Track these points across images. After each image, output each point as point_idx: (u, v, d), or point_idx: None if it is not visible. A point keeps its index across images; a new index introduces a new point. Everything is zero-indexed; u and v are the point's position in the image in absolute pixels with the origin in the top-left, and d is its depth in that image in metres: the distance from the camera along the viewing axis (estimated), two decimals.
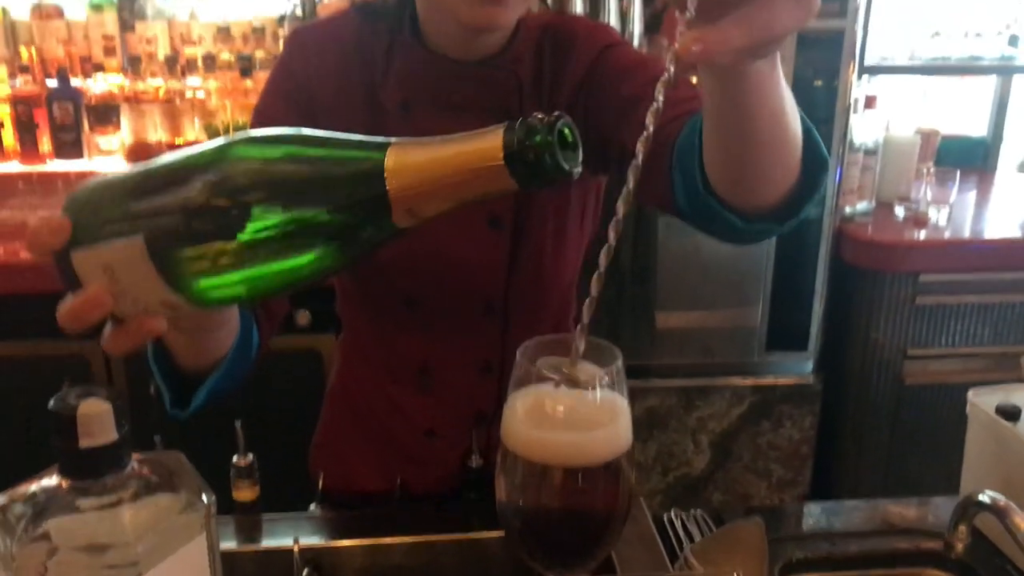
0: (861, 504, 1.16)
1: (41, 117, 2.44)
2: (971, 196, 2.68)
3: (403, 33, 1.02)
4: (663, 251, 2.45)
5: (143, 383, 0.86)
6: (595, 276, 0.59)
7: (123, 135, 2.47)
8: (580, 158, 0.54)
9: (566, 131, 0.53)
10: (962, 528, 0.96)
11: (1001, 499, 0.90)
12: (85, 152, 2.47)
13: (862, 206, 2.46)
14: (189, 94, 2.46)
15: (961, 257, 2.34)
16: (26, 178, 2.37)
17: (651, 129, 0.57)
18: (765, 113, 0.67)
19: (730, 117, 0.68)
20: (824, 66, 2.33)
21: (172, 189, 0.56)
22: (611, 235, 0.57)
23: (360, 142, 0.56)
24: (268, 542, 1.02)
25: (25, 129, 2.43)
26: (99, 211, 0.59)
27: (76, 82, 2.46)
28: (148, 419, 1.05)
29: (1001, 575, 1.03)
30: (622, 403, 0.65)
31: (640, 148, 0.57)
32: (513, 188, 0.53)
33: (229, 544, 1.01)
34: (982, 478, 1.08)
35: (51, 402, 0.57)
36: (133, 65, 2.47)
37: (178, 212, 0.56)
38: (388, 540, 1.03)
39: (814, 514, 1.15)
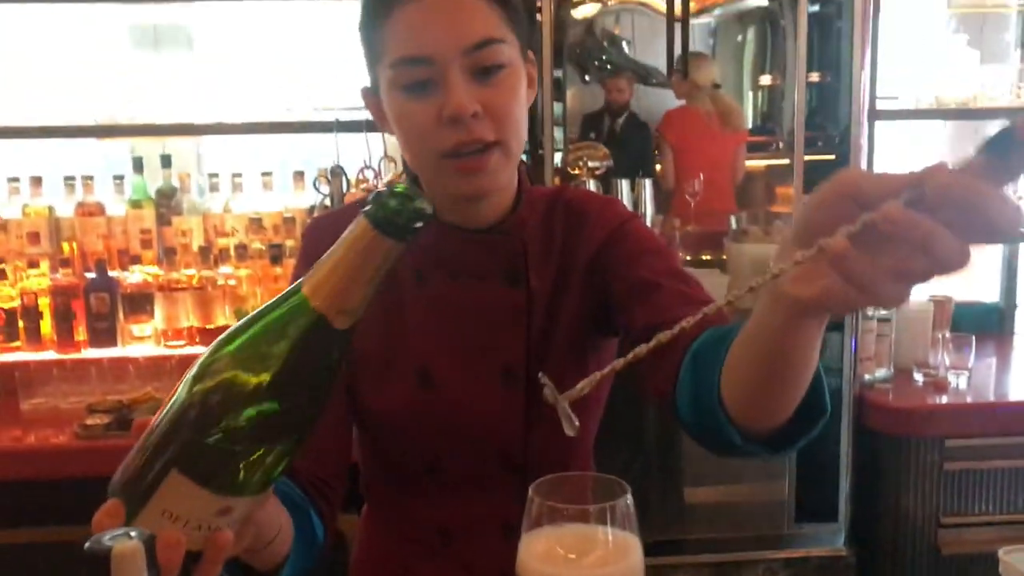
0: None
1: (78, 307, 2.54)
2: (990, 361, 2.69)
3: None
4: None
5: None
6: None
7: (156, 322, 2.56)
8: (428, 200, 0.69)
9: (400, 188, 0.69)
10: None
11: None
12: (119, 340, 2.55)
13: (881, 373, 2.47)
14: (221, 281, 2.56)
15: (986, 421, 2.33)
16: (60, 365, 2.44)
17: (685, 327, 0.64)
18: (803, 361, 0.73)
19: (775, 354, 0.73)
20: None
21: (176, 429, 0.69)
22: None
23: (277, 299, 0.71)
24: None
25: (63, 319, 2.53)
26: (135, 477, 0.70)
27: (113, 273, 2.58)
28: None
29: None
30: (633, 541, 0.66)
31: (662, 340, 0.63)
32: (399, 248, 0.68)
33: None
34: None
35: (86, 544, 0.59)
36: (168, 256, 2.59)
37: (190, 438, 0.68)
38: None
39: None
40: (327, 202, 2.60)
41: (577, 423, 0.66)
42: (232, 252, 2.58)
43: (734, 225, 2.76)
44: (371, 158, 2.56)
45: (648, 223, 2.65)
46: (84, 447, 2.14)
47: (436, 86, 0.98)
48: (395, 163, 2.54)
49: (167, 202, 2.68)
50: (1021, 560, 1.08)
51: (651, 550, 0.70)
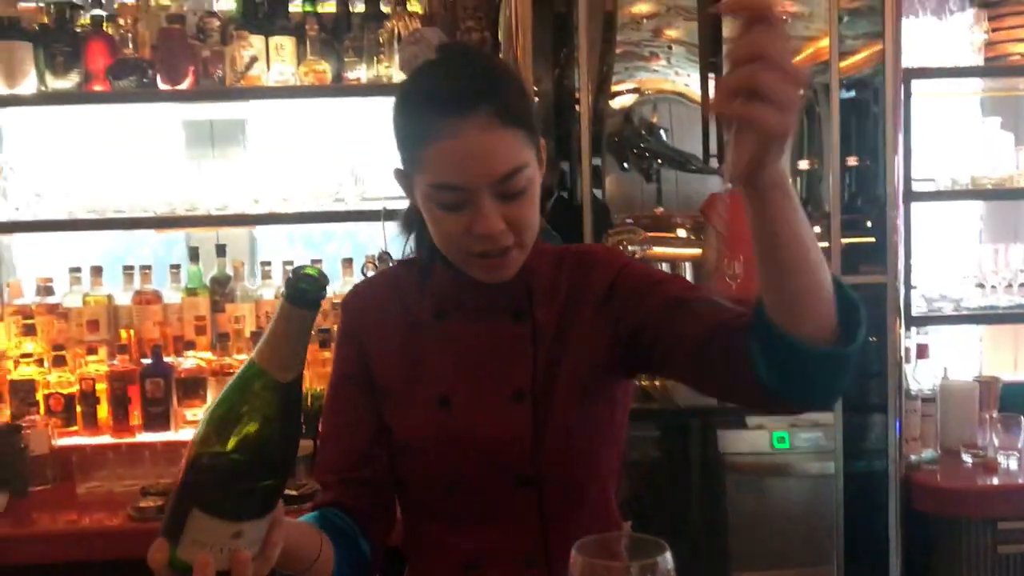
0: None
1: (134, 392, 2.61)
2: None
3: (436, 265, 1.29)
4: (733, 508, 2.44)
5: None
6: None
7: (208, 406, 2.62)
8: (325, 276, 0.94)
9: (308, 270, 0.94)
10: None
11: None
12: (172, 424, 2.62)
13: (927, 454, 2.45)
14: None
15: None
16: (116, 449, 2.50)
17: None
18: (787, 231, 0.92)
19: (762, 238, 0.93)
20: (871, 320, 2.41)
21: (189, 478, 0.92)
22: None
23: (240, 371, 0.95)
24: None
25: (119, 403, 2.60)
26: (170, 519, 0.92)
27: (168, 359, 2.66)
28: None
29: None
30: None
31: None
32: (312, 315, 0.93)
33: None
34: None
35: None
36: (221, 342, 2.67)
37: (199, 482, 0.91)
38: None
39: None
40: None
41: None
42: None
43: None
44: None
45: None
46: (137, 529, 2.19)
47: (468, 204, 1.14)
48: None
49: (221, 289, 2.77)
50: None
51: None
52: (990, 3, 2.75)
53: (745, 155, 0.84)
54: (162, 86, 2.54)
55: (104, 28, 2.60)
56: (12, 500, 2.34)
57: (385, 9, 2.68)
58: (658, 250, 2.72)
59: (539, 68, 2.43)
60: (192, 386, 2.61)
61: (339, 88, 2.61)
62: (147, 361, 2.65)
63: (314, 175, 2.66)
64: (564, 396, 1.23)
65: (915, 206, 2.56)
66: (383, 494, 1.30)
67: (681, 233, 2.77)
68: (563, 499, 1.24)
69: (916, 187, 2.58)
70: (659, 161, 2.69)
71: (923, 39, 2.69)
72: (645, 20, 2.57)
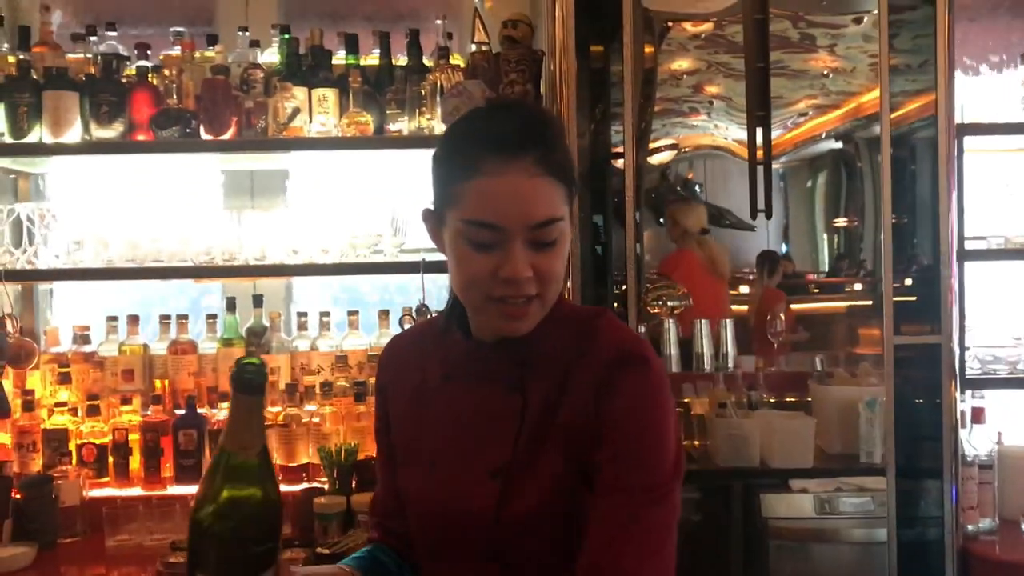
0: None
1: (167, 443, 2.58)
2: None
3: (451, 327, 1.31)
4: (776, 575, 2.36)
5: None
6: None
7: None
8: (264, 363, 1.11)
9: (249, 360, 1.09)
10: None
11: None
12: None
13: (985, 524, 2.35)
14: (305, 419, 2.58)
15: None
16: (146, 502, 2.46)
17: None
18: None
19: None
20: (924, 382, 2.34)
21: (190, 545, 1.11)
22: None
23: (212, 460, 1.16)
24: None
25: (151, 455, 2.57)
26: None
27: (202, 410, 2.63)
28: None
29: None
30: None
31: None
32: (258, 399, 1.09)
33: None
34: None
35: None
36: None
37: (198, 549, 1.09)
38: None
39: None
40: None
41: None
42: (318, 389, 2.62)
43: (818, 366, 2.70)
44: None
45: (730, 364, 2.62)
46: None
47: (498, 246, 1.15)
48: None
49: (257, 340, 2.75)
50: None
51: None
52: None
53: None
54: (205, 136, 2.55)
55: (149, 79, 2.62)
56: (40, 553, 2.29)
57: (428, 62, 2.69)
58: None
59: (578, 123, 2.42)
60: None
61: (381, 140, 2.60)
62: (181, 412, 2.62)
63: (353, 226, 2.65)
64: (540, 478, 1.19)
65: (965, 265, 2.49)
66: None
67: None
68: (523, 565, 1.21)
69: (968, 245, 2.51)
70: None
71: (970, 95, 2.64)
72: (685, 76, 2.57)
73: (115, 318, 2.77)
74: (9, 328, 2.61)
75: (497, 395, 1.24)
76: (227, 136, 2.55)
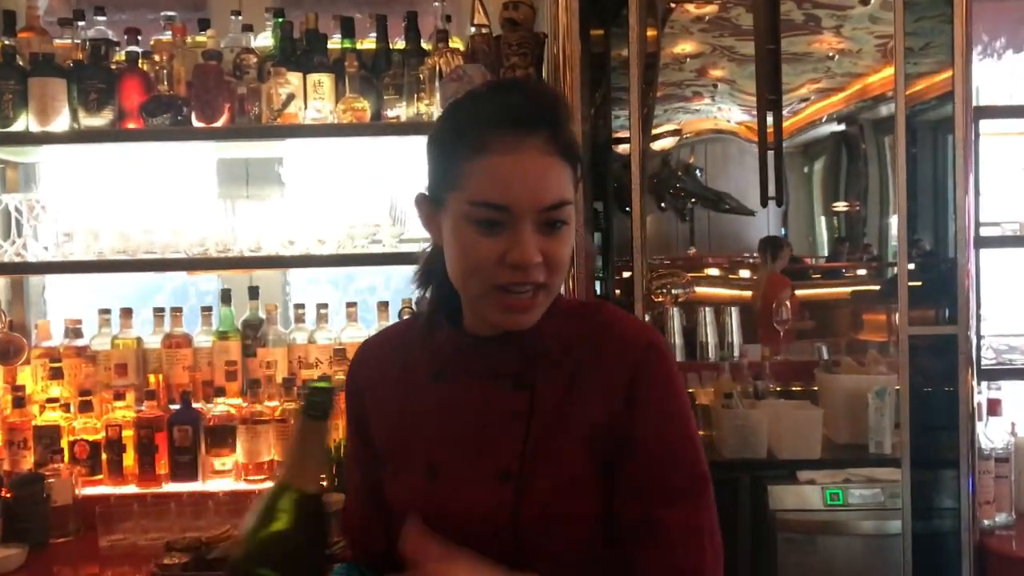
0: None
1: (161, 440, 2.52)
2: None
3: (440, 322, 1.23)
4: (784, 568, 2.34)
5: None
6: None
7: (237, 455, 2.52)
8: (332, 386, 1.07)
9: (319, 384, 1.05)
10: None
11: None
12: (200, 474, 2.52)
13: (1001, 518, 2.30)
14: None
15: None
16: (141, 500, 2.40)
17: None
18: None
19: None
20: (936, 371, 2.30)
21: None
22: None
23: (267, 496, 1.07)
24: None
25: (145, 452, 2.51)
26: None
27: (197, 405, 2.56)
28: None
29: None
30: None
31: None
32: (326, 425, 1.07)
33: None
34: None
35: None
36: (252, 388, 2.57)
37: None
38: None
39: None
40: None
41: None
42: None
43: (825, 355, 2.66)
44: None
45: (735, 353, 2.58)
46: None
47: (506, 229, 1.10)
48: None
49: (253, 333, 2.68)
50: None
51: None
52: None
53: None
54: (197, 124, 2.47)
55: (139, 65, 2.55)
56: (31, 554, 2.23)
57: (426, 46, 2.61)
58: (700, 291, 2.64)
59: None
60: (221, 434, 2.51)
61: (378, 126, 2.53)
62: (175, 407, 2.56)
63: (351, 216, 2.58)
64: (553, 477, 1.15)
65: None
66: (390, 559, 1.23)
67: (713, 272, 2.70)
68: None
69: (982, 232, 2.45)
70: (693, 200, 2.65)
71: (987, 78, 2.58)
72: (688, 60, 2.51)
73: (108, 311, 2.70)
74: None
75: (500, 392, 1.18)
76: (220, 123, 2.48)
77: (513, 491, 1.14)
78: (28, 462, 2.48)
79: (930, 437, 2.31)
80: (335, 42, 2.65)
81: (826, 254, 2.77)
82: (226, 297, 2.70)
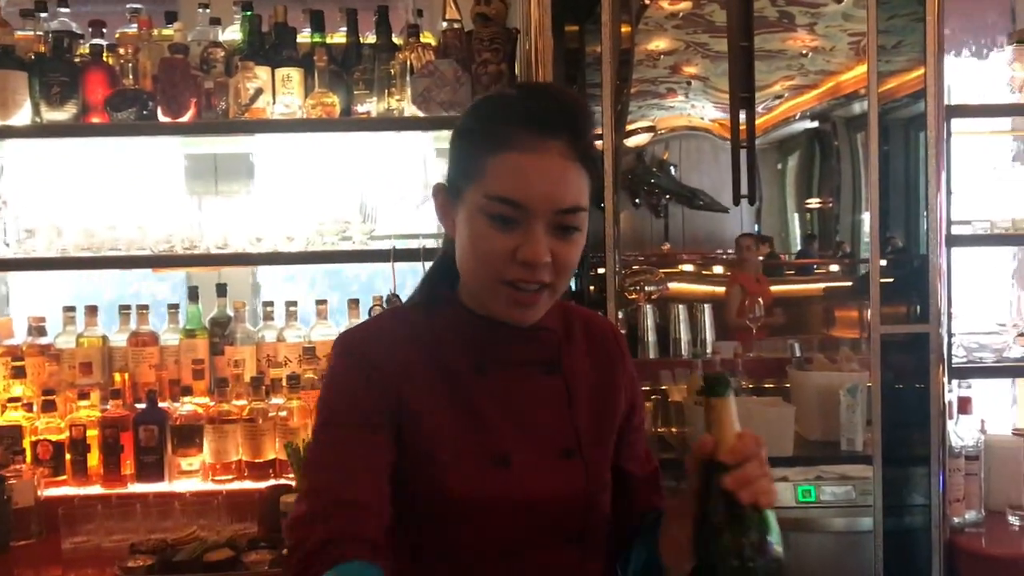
0: None
1: (127, 440, 2.47)
2: None
3: (457, 310, 1.24)
4: None
5: None
6: None
7: (204, 455, 2.48)
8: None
9: (713, 375, 1.05)
10: None
11: None
12: (166, 474, 2.47)
13: (971, 515, 2.30)
14: (272, 413, 2.49)
15: None
16: (105, 501, 2.35)
17: None
18: None
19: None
20: (907, 368, 2.30)
21: None
22: None
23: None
24: None
25: (110, 452, 2.46)
26: None
27: (163, 405, 2.52)
28: None
29: None
30: None
31: None
32: (728, 399, 1.04)
33: None
34: None
35: None
36: (219, 387, 2.53)
37: None
38: None
39: None
40: None
41: None
42: (284, 383, 2.52)
43: (797, 352, 2.65)
44: None
45: (708, 350, 2.58)
46: None
47: (519, 226, 1.12)
48: None
49: (221, 331, 2.64)
50: None
51: None
52: None
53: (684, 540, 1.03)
54: (163, 118, 2.43)
55: (104, 58, 2.50)
56: None
57: (397, 40, 2.58)
58: (673, 287, 2.63)
59: None
60: (188, 434, 2.47)
61: (348, 122, 2.49)
62: (141, 406, 2.51)
63: (320, 212, 2.54)
64: (602, 452, 1.27)
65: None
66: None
67: (687, 268, 2.69)
68: (597, 552, 1.26)
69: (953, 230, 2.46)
70: (668, 197, 2.64)
71: (956, 77, 2.58)
72: (662, 56, 2.50)
73: (72, 308, 2.65)
74: None
75: (537, 378, 1.25)
76: (186, 118, 2.43)
77: (578, 466, 1.23)
78: None
79: (901, 434, 2.31)
80: (304, 36, 2.61)
81: (798, 249, 2.77)
82: (193, 294, 2.66)
